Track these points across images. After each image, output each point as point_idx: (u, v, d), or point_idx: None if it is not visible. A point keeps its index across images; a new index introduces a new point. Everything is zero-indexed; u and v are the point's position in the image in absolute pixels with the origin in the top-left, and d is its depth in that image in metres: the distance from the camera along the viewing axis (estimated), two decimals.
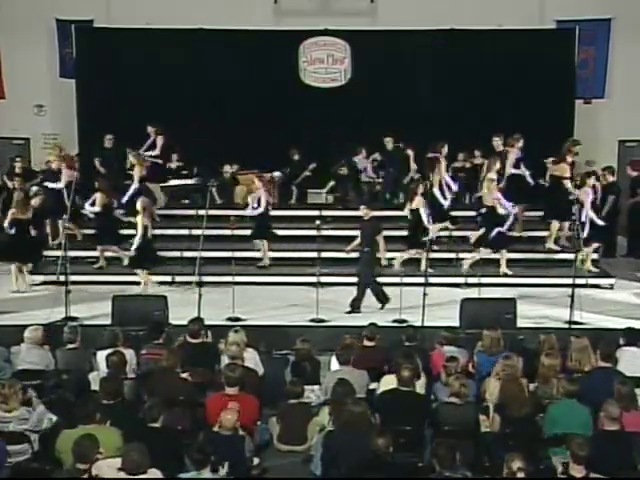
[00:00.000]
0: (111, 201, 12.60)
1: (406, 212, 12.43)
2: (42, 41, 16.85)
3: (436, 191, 12.65)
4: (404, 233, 12.51)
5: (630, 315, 10.61)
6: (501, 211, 12.06)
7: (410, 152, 14.32)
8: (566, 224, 12.79)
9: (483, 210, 12.33)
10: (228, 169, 13.99)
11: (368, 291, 10.96)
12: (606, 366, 7.89)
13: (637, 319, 10.24)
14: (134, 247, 11.57)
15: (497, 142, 13.50)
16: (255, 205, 12.66)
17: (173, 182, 14.57)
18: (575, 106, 15.68)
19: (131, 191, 12.83)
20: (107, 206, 12.41)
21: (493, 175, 12.30)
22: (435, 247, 12.24)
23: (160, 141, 14.16)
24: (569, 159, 12.95)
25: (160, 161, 14.14)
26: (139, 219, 11.58)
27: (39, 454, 6.75)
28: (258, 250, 12.82)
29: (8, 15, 16.53)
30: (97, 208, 12.32)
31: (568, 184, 12.65)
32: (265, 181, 12.98)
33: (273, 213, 14.29)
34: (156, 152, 14.10)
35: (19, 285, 11.91)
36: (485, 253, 12.14)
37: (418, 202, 12.13)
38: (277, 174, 14.74)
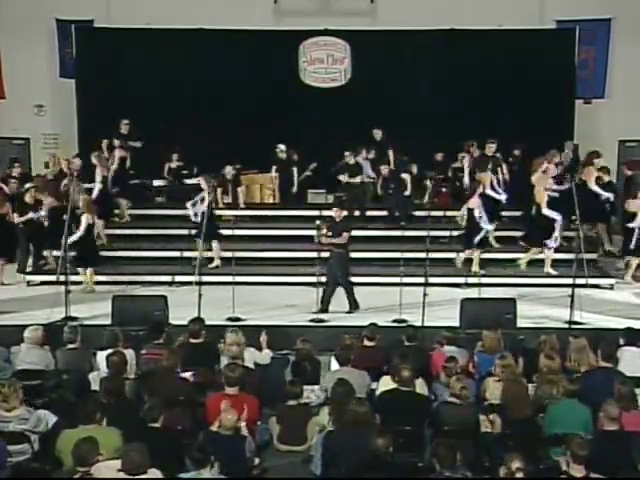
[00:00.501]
0: (61, 205, 12.32)
1: (463, 211, 12.46)
2: (42, 41, 16.86)
3: (489, 191, 12.69)
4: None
5: (630, 315, 10.60)
6: (546, 212, 12.17)
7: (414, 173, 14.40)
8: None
9: (533, 210, 12.50)
10: (230, 170, 13.98)
11: (369, 290, 10.97)
12: (607, 366, 7.90)
13: (637, 319, 10.23)
14: (68, 241, 11.49)
15: (491, 147, 13.45)
16: (198, 209, 12.48)
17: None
18: (575, 106, 15.69)
19: (96, 191, 12.82)
20: (55, 209, 12.24)
21: (540, 174, 12.48)
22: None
23: (118, 154, 14.01)
24: (596, 162, 13.11)
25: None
26: (83, 217, 11.58)
27: (39, 454, 6.75)
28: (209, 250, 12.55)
29: (8, 15, 16.54)
30: (43, 212, 12.26)
31: (594, 186, 12.82)
32: (210, 183, 12.77)
33: (273, 213, 14.38)
34: (114, 166, 13.91)
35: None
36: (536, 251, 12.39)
37: (474, 202, 12.19)
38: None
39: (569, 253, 11.96)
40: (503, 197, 12.92)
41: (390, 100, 15.34)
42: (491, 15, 15.60)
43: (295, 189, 14.96)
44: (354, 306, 10.96)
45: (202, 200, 12.43)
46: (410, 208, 13.97)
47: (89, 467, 5.81)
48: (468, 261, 12.44)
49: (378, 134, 14.71)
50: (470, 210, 12.20)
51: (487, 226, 12.17)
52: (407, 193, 14.05)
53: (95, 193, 12.79)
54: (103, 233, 13.34)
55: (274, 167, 14.94)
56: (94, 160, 13.22)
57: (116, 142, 14.09)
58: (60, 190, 12.76)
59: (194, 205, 12.49)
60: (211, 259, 12.53)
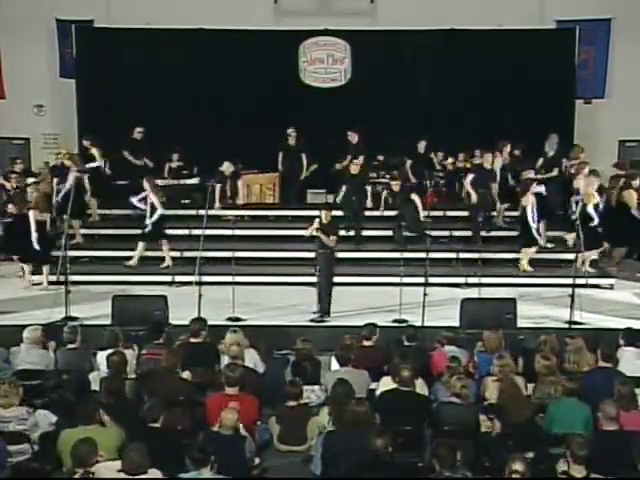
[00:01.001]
0: (20, 214, 12.27)
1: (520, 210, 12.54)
2: (42, 41, 16.87)
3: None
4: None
5: (630, 315, 10.61)
6: (590, 210, 12.18)
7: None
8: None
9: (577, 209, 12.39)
10: (228, 165, 13.90)
11: (369, 290, 10.94)
12: (606, 366, 7.90)
13: (637, 319, 10.25)
14: (35, 244, 11.64)
15: (488, 158, 13.18)
16: (143, 207, 12.61)
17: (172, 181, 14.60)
18: (575, 106, 15.69)
19: (63, 192, 12.79)
20: (15, 217, 12.23)
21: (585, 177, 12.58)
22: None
23: (97, 152, 13.84)
24: (635, 183, 13.04)
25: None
26: (30, 213, 11.67)
27: (39, 454, 6.75)
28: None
29: (8, 15, 16.55)
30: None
31: (635, 211, 12.80)
32: (153, 183, 12.75)
33: (273, 213, 14.35)
34: (98, 163, 13.77)
35: None
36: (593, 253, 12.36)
37: (527, 200, 12.25)
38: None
39: (569, 253, 11.99)
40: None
41: (390, 100, 15.33)
42: (491, 15, 15.61)
43: (305, 175, 14.66)
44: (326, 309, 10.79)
45: (143, 200, 12.56)
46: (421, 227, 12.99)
47: (88, 468, 5.81)
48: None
49: (354, 137, 14.29)
50: (524, 209, 12.28)
51: (534, 224, 12.25)
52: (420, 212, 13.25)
53: (62, 194, 12.77)
54: (79, 233, 13.38)
55: (281, 153, 14.66)
56: (67, 162, 13.20)
57: (85, 142, 13.99)
58: (26, 199, 12.66)
59: (140, 201, 12.62)
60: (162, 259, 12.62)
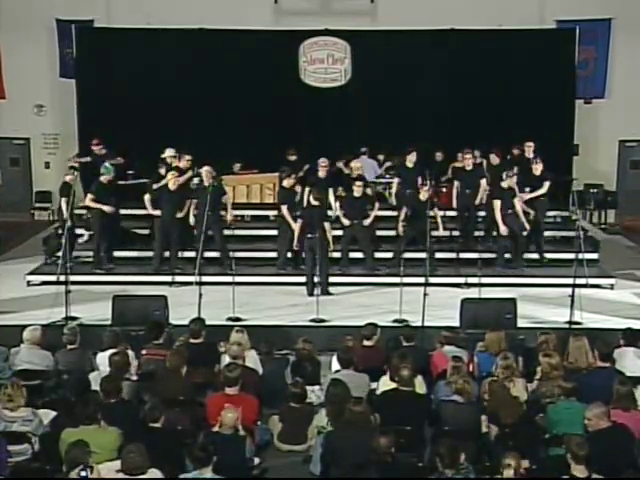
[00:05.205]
0: None
1: None
2: (42, 41, 16.90)
3: None
4: None
5: (630, 315, 10.61)
6: None
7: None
8: None
9: None
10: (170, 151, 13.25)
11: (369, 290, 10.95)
12: (605, 366, 7.89)
13: (637, 319, 10.25)
14: None
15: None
16: None
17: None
18: (575, 106, 15.69)
19: None
20: None
21: None
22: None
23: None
24: None
25: None
26: None
27: (39, 454, 6.75)
28: None
29: (8, 15, 16.60)
30: None
31: None
32: None
33: (273, 213, 14.35)
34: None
35: None
36: None
37: None
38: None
39: (569, 253, 11.98)
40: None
41: (390, 100, 15.34)
42: (491, 15, 15.63)
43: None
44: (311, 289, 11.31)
45: None
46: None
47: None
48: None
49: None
50: None
51: None
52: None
53: None
54: None
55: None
56: None
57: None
58: None
59: None
60: None
